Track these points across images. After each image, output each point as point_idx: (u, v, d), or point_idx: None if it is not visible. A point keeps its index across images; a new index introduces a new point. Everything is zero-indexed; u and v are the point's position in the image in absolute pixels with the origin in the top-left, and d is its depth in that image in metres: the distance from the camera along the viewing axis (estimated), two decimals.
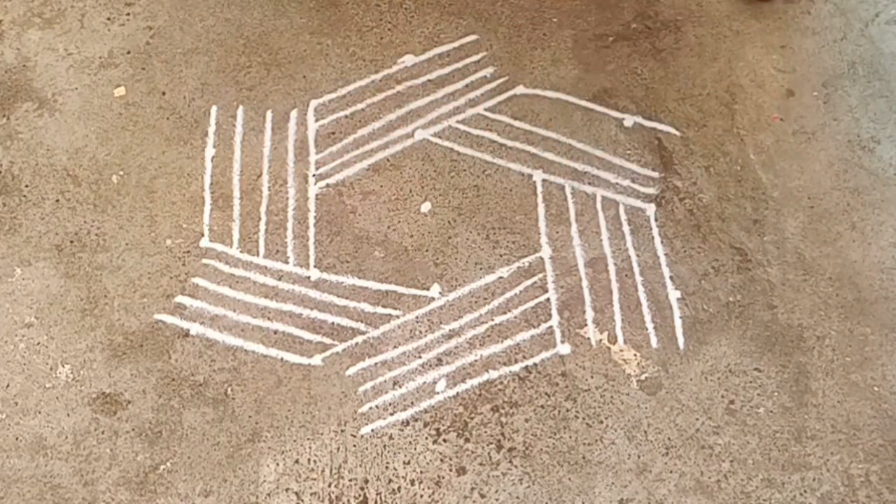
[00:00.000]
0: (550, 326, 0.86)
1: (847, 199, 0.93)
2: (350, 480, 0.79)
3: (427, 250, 0.90)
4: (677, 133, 0.96)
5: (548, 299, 0.87)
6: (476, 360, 0.84)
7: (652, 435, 0.81)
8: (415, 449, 0.80)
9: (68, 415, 0.82)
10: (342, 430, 0.81)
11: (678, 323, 0.86)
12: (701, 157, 0.95)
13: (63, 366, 0.84)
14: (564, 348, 0.85)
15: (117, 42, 1.01)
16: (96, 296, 0.87)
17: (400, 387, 0.83)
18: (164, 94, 0.98)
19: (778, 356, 0.85)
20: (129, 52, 1.00)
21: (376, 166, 0.94)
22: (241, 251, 0.89)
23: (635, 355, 0.85)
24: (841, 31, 1.03)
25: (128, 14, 1.03)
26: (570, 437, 0.81)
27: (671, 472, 0.80)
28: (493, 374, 0.84)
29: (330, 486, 0.79)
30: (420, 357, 0.85)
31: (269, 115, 0.96)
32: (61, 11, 1.03)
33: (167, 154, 0.94)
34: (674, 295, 0.87)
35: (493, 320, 0.86)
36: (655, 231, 0.91)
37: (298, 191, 0.93)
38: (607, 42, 1.01)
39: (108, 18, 1.02)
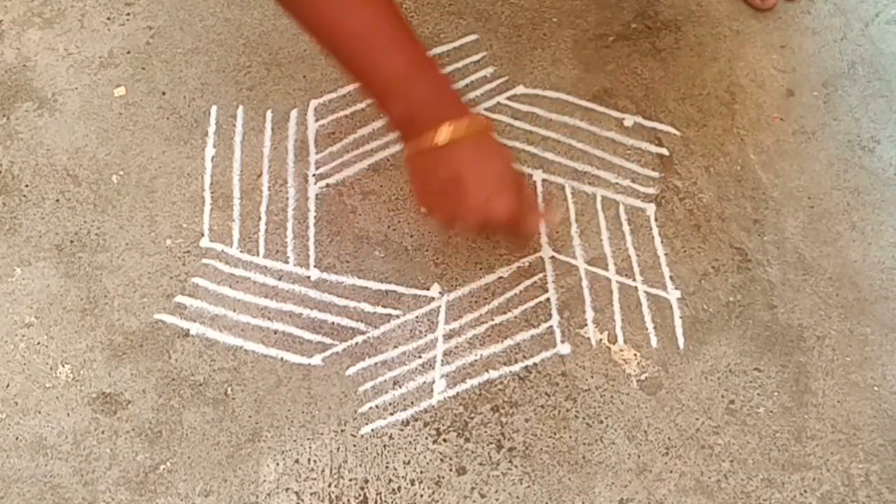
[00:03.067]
0: (550, 326, 0.86)
1: (847, 199, 0.93)
2: (350, 480, 0.79)
3: (427, 250, 0.90)
4: (677, 133, 0.96)
5: (548, 299, 0.87)
6: (476, 360, 0.84)
7: (652, 435, 0.81)
8: (415, 449, 0.80)
9: (68, 415, 0.82)
10: (342, 430, 0.81)
11: (678, 323, 0.86)
12: (701, 157, 0.95)
13: (63, 366, 0.84)
14: (564, 348, 0.85)
15: (117, 42, 1.01)
16: (96, 296, 0.87)
17: (400, 387, 0.83)
18: (164, 94, 0.98)
19: (778, 356, 0.85)
20: (129, 52, 1.00)
21: (376, 166, 0.94)
22: (241, 251, 0.89)
23: (635, 355, 0.85)
24: (841, 31, 1.03)
25: (128, 14, 1.03)
26: (570, 437, 0.81)
27: (671, 472, 0.80)
28: (493, 374, 0.84)
29: (330, 485, 0.79)
30: (420, 357, 0.85)
31: (269, 115, 0.96)
32: (61, 11, 1.03)
33: (167, 154, 0.94)
34: (674, 295, 0.87)
35: (493, 320, 0.86)
36: (655, 231, 0.91)
37: (298, 191, 0.93)
38: (607, 42, 1.01)
39: (108, 18, 1.02)
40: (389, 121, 0.71)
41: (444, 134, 0.66)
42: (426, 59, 0.69)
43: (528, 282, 0.88)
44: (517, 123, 0.96)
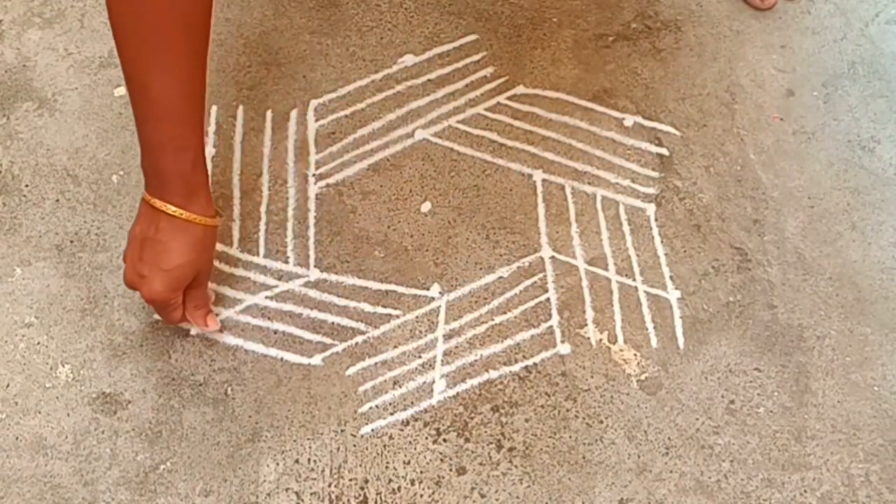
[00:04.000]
0: (550, 326, 0.86)
1: (847, 199, 0.93)
2: (350, 480, 0.79)
3: (427, 250, 0.90)
4: (677, 133, 0.96)
5: (548, 299, 0.87)
6: (476, 360, 0.84)
7: (652, 435, 0.81)
8: (415, 449, 0.80)
9: (68, 415, 0.82)
10: (342, 430, 0.81)
11: (678, 323, 0.86)
12: (701, 157, 0.95)
13: (63, 366, 0.84)
14: (564, 348, 0.85)
15: None
16: (96, 296, 0.87)
17: (400, 387, 0.83)
18: None
19: (778, 356, 0.85)
20: None
21: (376, 166, 0.94)
22: (241, 251, 0.89)
23: (635, 355, 0.85)
24: (841, 31, 1.03)
25: None
26: (570, 436, 0.81)
27: (671, 472, 0.80)
28: (493, 374, 0.84)
29: (330, 485, 0.79)
30: (420, 357, 0.85)
31: (269, 115, 0.96)
32: (61, 11, 1.03)
33: None
34: (674, 295, 0.87)
35: (493, 320, 0.86)
36: (655, 231, 0.91)
37: (298, 191, 0.93)
38: (607, 42, 1.02)
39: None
40: (147, 163, 0.74)
41: (170, 208, 0.72)
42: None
43: (528, 282, 0.88)
44: (517, 123, 0.96)
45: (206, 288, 0.81)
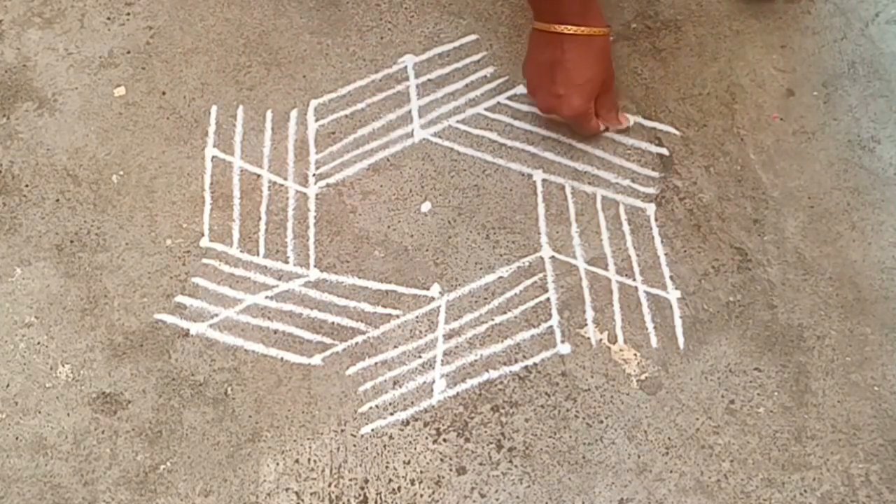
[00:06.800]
0: (550, 326, 0.86)
1: (847, 198, 0.93)
2: (350, 480, 0.79)
3: (427, 250, 0.90)
4: (677, 133, 0.96)
5: (548, 299, 0.87)
6: (476, 360, 0.84)
7: (652, 435, 0.81)
8: (415, 449, 0.80)
9: (68, 415, 0.82)
10: (342, 430, 0.81)
11: (678, 323, 0.86)
12: (701, 157, 0.95)
13: (63, 365, 0.84)
14: (564, 348, 0.85)
15: (117, 42, 1.01)
16: (96, 295, 0.87)
17: (400, 386, 0.83)
18: (164, 93, 0.98)
19: (778, 356, 0.85)
20: (129, 52, 1.00)
21: (376, 166, 0.94)
22: (241, 251, 0.89)
23: (635, 355, 0.85)
24: (841, 30, 1.03)
25: (128, 14, 1.03)
26: (570, 436, 0.81)
27: (671, 471, 0.80)
28: (493, 374, 0.84)
29: (330, 485, 0.79)
30: (420, 357, 0.85)
31: (269, 114, 0.96)
32: (61, 11, 1.03)
33: (167, 154, 0.94)
34: (674, 295, 0.87)
35: (493, 320, 0.86)
36: (655, 231, 0.91)
37: (298, 191, 0.93)
38: None
39: (108, 18, 1.02)
40: None
41: (570, 28, 0.80)
42: None
43: (528, 282, 0.88)
44: (517, 123, 0.96)
45: (613, 92, 0.90)
